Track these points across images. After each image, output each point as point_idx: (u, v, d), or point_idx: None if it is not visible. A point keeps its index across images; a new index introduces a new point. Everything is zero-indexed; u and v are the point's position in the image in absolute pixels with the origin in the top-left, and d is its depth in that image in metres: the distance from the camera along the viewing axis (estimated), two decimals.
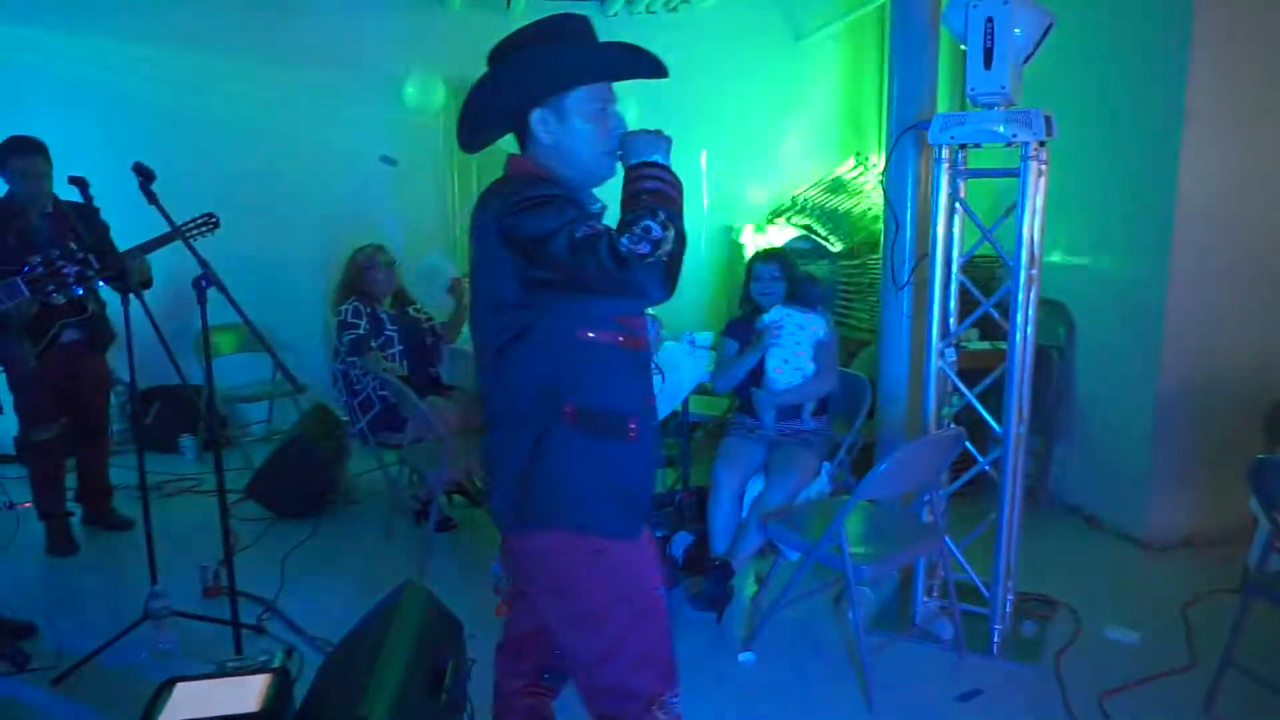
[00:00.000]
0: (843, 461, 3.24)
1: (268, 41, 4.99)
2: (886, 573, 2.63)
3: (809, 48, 5.51)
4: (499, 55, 1.57)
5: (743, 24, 5.41)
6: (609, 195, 1.66)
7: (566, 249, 1.39)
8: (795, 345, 3.17)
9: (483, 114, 1.61)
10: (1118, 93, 3.69)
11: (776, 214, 5.32)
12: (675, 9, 5.18)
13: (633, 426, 1.58)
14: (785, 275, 3.29)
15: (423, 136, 5.27)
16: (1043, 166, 2.70)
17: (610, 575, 1.58)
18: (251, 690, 1.83)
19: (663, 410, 3.44)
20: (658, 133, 1.55)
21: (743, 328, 3.35)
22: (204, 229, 3.04)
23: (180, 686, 1.85)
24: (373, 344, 3.86)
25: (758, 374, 3.22)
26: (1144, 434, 3.63)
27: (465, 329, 4.27)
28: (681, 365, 3.50)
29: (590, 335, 1.51)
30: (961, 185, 2.86)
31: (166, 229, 2.83)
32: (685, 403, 3.68)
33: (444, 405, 3.85)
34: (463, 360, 4.13)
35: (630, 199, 1.47)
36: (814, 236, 5.02)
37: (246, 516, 3.93)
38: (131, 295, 2.79)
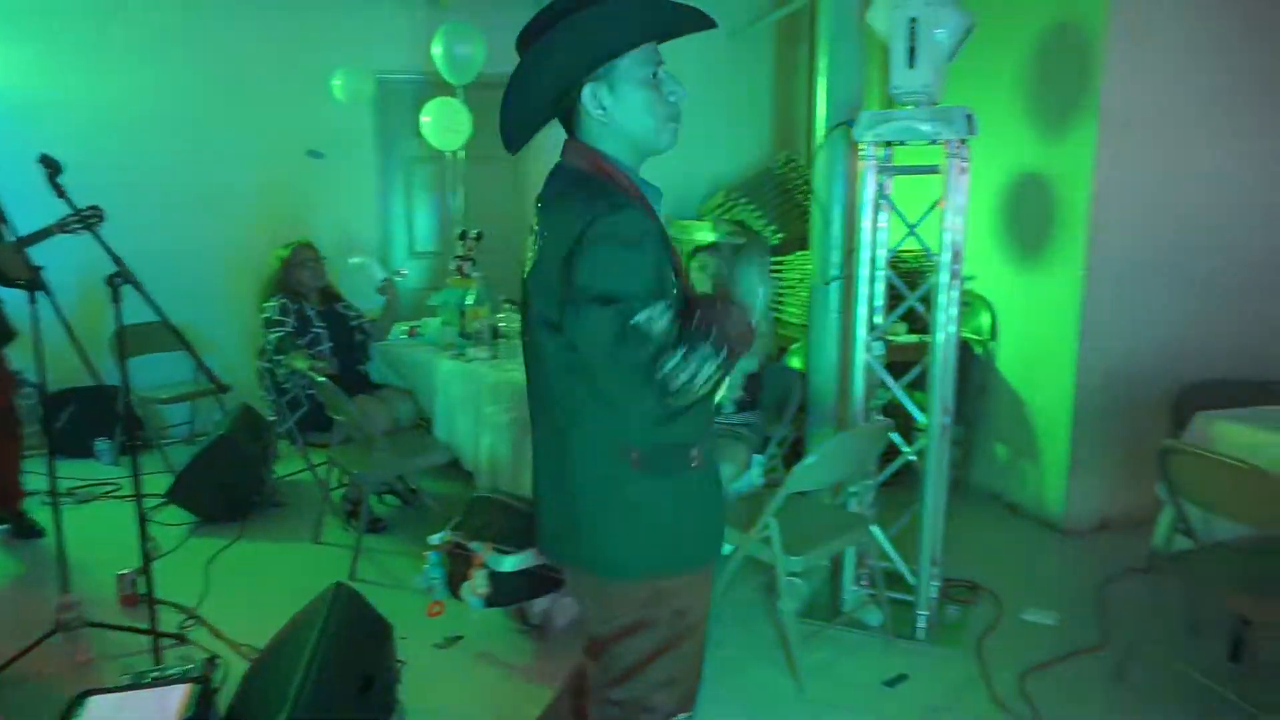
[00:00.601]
0: (774, 454, 3.29)
1: (192, 34, 4.84)
2: (816, 563, 2.67)
3: (740, 43, 5.55)
4: (531, 37, 1.43)
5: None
6: (664, 176, 1.60)
7: (613, 330, 1.30)
8: None
9: (526, 103, 1.47)
10: (1038, 94, 3.81)
11: (708, 209, 5.36)
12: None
13: (695, 454, 1.47)
14: (722, 268, 3.35)
15: (352, 130, 5.16)
16: (964, 164, 2.77)
17: (668, 601, 1.51)
18: (170, 701, 1.78)
19: None
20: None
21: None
22: (86, 223, 2.86)
23: (93, 700, 1.79)
24: (300, 342, 3.78)
25: None
26: (1062, 424, 3.77)
27: (397, 326, 4.21)
28: None
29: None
30: (888, 182, 2.93)
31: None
32: None
33: (373, 404, 3.79)
34: (393, 358, 4.06)
35: (704, 325, 1.32)
36: (746, 232, 5.06)
37: (168, 522, 3.81)
38: (40, 293, 2.67)
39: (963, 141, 2.74)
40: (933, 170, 2.78)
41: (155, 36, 4.80)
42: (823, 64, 3.03)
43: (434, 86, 4.78)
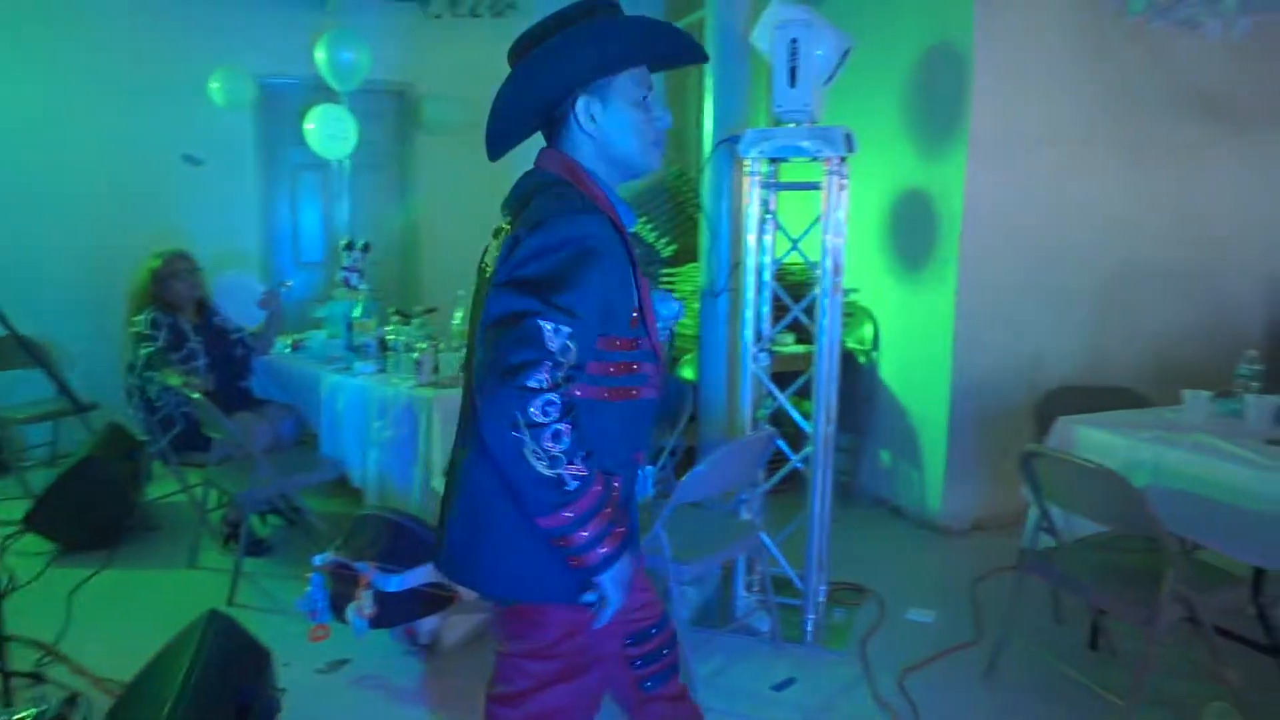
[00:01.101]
0: (666, 465, 3.32)
1: (58, 30, 4.56)
2: (707, 571, 2.72)
3: None
4: (526, 47, 1.43)
5: None
6: None
7: (512, 324, 1.26)
8: None
9: (515, 110, 1.45)
10: (915, 116, 3.99)
11: None
12: (501, 14, 5.15)
13: (616, 485, 1.42)
14: None
15: (233, 135, 4.97)
16: (844, 180, 2.88)
17: (569, 632, 1.44)
18: None
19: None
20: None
21: None
22: None
23: None
24: (174, 357, 3.60)
25: None
26: (939, 430, 3.95)
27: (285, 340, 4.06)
28: None
29: (576, 394, 1.34)
30: (772, 197, 3.02)
31: None
32: None
33: (254, 421, 3.64)
34: (276, 372, 3.92)
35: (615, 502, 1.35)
36: (639, 244, 5.11)
37: (26, 551, 3.55)
38: None
39: (842, 159, 2.85)
40: (814, 186, 2.88)
41: (17, 32, 4.51)
42: (709, 82, 3.10)
43: (318, 92, 4.65)
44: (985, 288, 3.85)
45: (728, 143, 2.99)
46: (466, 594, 2.80)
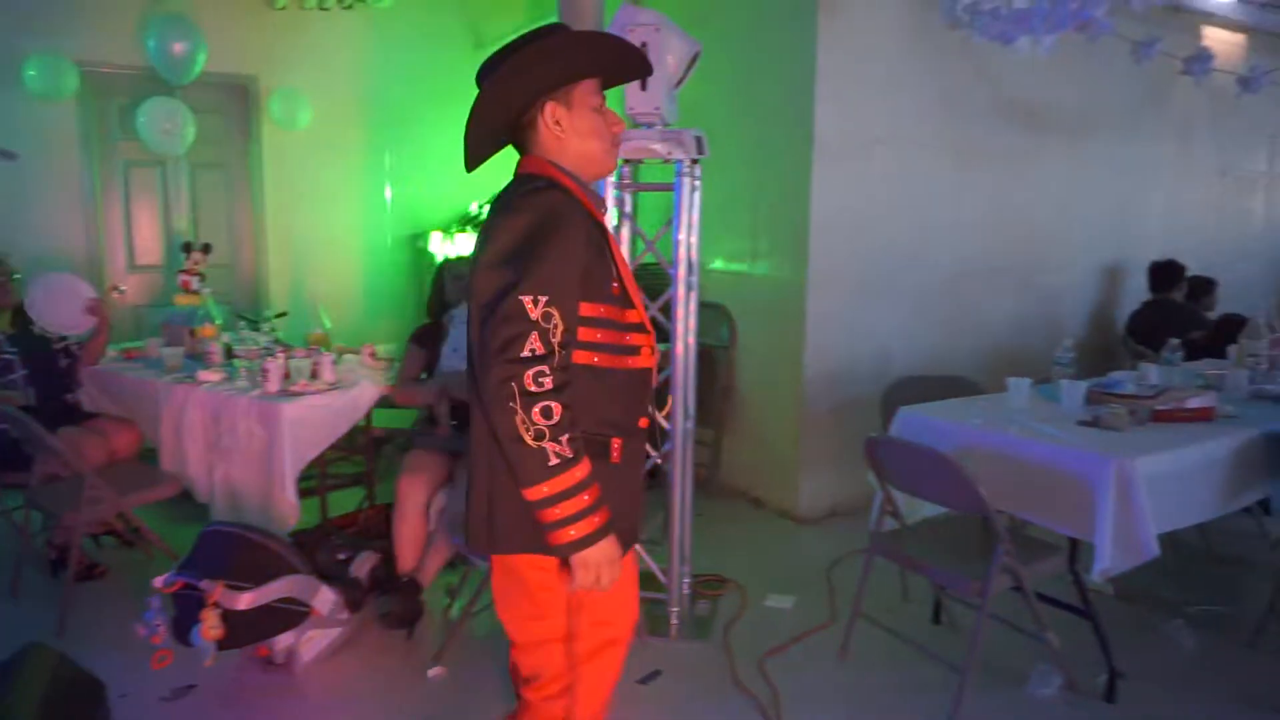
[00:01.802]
0: None
1: None
2: None
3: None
4: (495, 64, 1.54)
5: (422, 27, 5.33)
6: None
7: (496, 304, 1.37)
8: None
9: (487, 121, 1.55)
10: (765, 122, 4.14)
11: (464, 221, 5.31)
12: (350, 6, 4.98)
13: (615, 445, 1.52)
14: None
15: (53, 128, 4.58)
16: (696, 182, 2.95)
17: (586, 608, 1.56)
18: None
19: (344, 425, 3.30)
20: None
21: (430, 333, 3.34)
22: None
23: None
24: None
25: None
26: (792, 422, 4.11)
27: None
28: (363, 379, 3.38)
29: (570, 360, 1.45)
30: (628, 198, 3.06)
31: None
32: (369, 417, 3.56)
33: (83, 437, 3.39)
34: (107, 384, 3.65)
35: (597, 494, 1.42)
36: None
37: None
38: None
39: (694, 161, 2.92)
40: (668, 188, 2.94)
41: None
42: None
43: (151, 84, 4.36)
44: (834, 285, 4.03)
45: None
46: (321, 606, 2.71)
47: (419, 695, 2.66)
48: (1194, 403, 2.82)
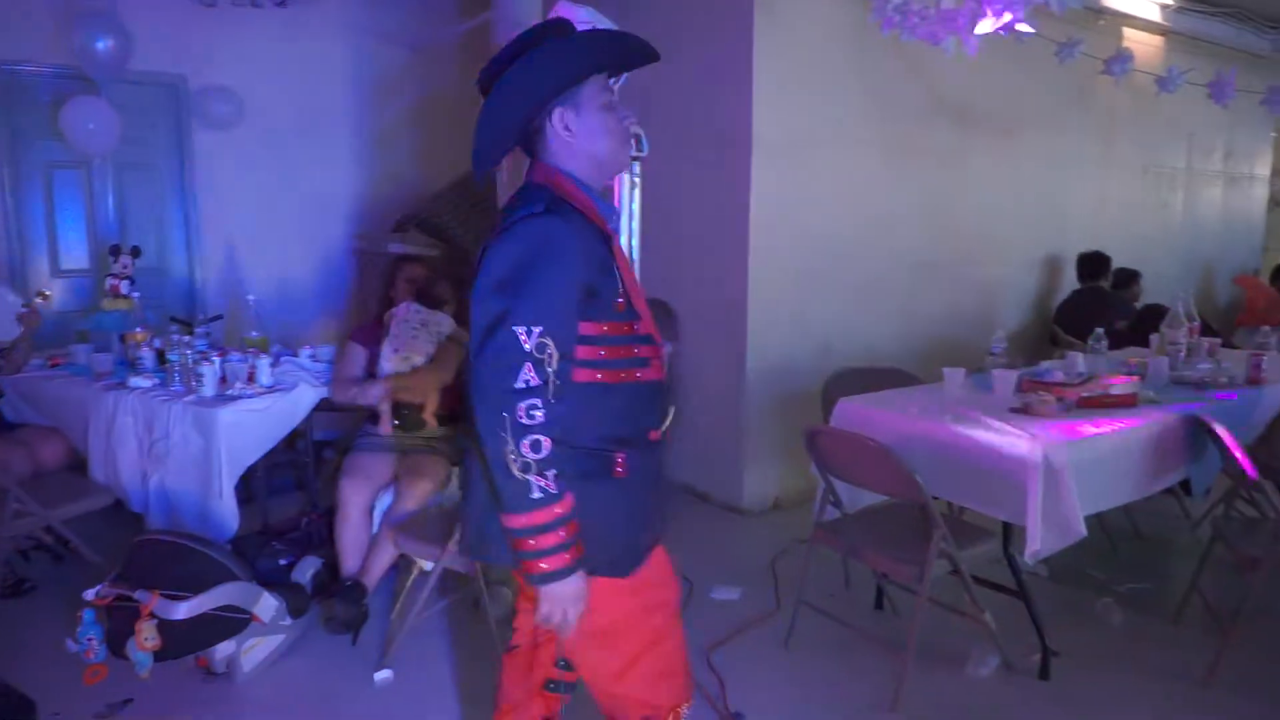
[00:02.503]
0: None
1: None
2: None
3: (427, 56, 5.51)
4: (496, 71, 1.49)
5: (357, 26, 5.26)
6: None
7: (490, 334, 1.37)
8: (412, 335, 3.19)
9: (500, 124, 1.50)
10: (706, 120, 4.17)
11: (401, 222, 5.25)
12: (283, 3, 4.89)
13: (620, 460, 1.50)
14: (425, 277, 3.35)
15: None
16: (636, 179, 2.96)
17: (617, 604, 1.56)
18: None
19: (284, 429, 3.25)
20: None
21: (372, 332, 3.31)
22: None
23: None
24: None
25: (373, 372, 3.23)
26: (736, 416, 4.16)
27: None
28: (302, 381, 3.32)
29: (572, 380, 1.45)
30: None
31: None
32: (309, 421, 3.50)
33: (4, 448, 3.28)
34: (31, 393, 3.53)
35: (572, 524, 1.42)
36: (441, 243, 5.03)
37: None
38: None
39: (633, 159, 2.93)
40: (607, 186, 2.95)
41: None
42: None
43: (74, 82, 4.23)
44: (774, 280, 4.09)
45: None
46: (263, 613, 2.66)
47: (366, 699, 2.64)
48: (1117, 389, 2.93)
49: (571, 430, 1.44)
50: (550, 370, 1.38)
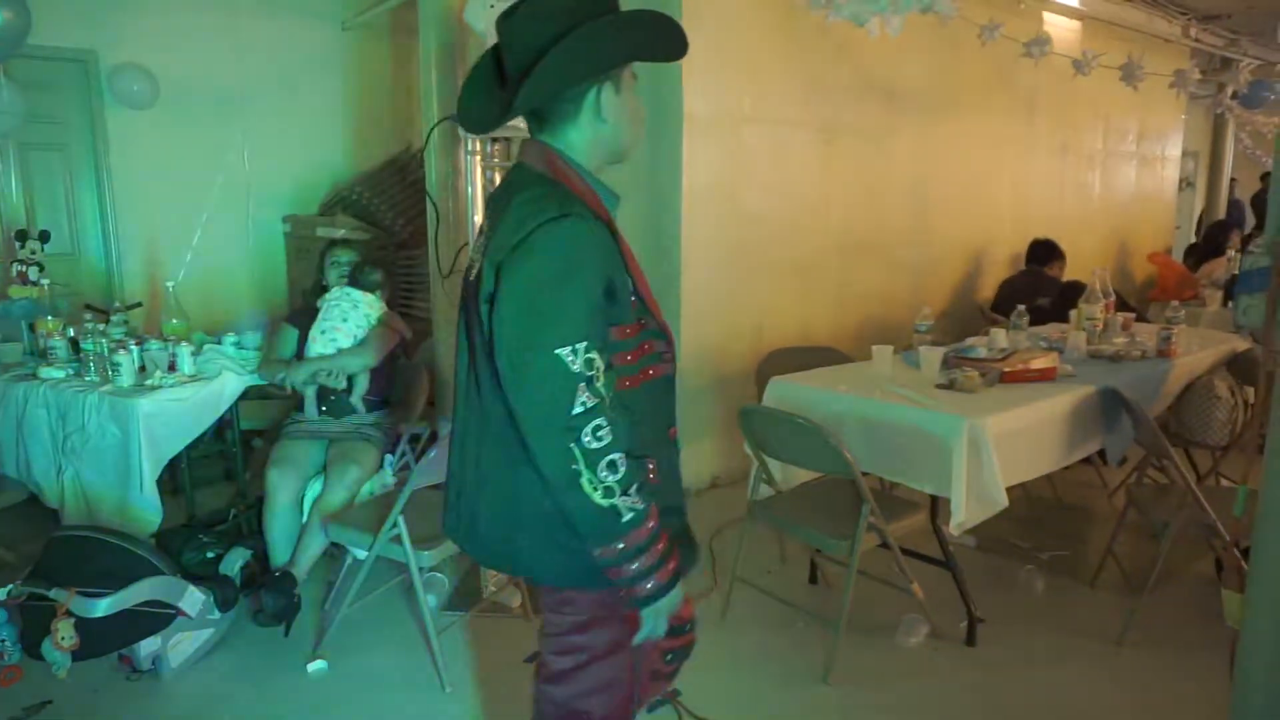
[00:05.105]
0: (406, 453, 3.25)
1: None
2: (447, 554, 2.70)
3: (355, 34, 5.37)
4: (534, 34, 1.33)
5: (283, 2, 5.08)
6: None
7: (534, 363, 1.27)
8: (341, 318, 3.14)
9: (531, 97, 1.34)
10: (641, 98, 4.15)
11: (329, 205, 5.13)
12: None
13: (651, 467, 1.41)
14: (357, 263, 3.30)
15: None
16: None
17: (586, 612, 1.49)
18: None
19: (208, 419, 3.15)
20: None
21: (305, 315, 3.25)
22: None
23: None
24: None
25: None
26: None
27: None
28: (227, 370, 3.23)
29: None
30: (496, 177, 3.02)
31: None
32: (236, 411, 3.40)
33: None
34: None
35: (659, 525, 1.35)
36: (371, 227, 4.92)
37: None
38: None
39: None
40: None
41: None
42: (426, 58, 3.04)
43: None
44: (708, 261, 4.11)
45: (450, 120, 2.95)
46: (189, 607, 2.59)
47: (299, 690, 2.59)
48: (1037, 364, 3.03)
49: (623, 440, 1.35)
50: (601, 385, 1.29)
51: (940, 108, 5.20)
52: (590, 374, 1.27)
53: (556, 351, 1.26)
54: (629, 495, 1.29)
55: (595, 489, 1.27)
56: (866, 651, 2.77)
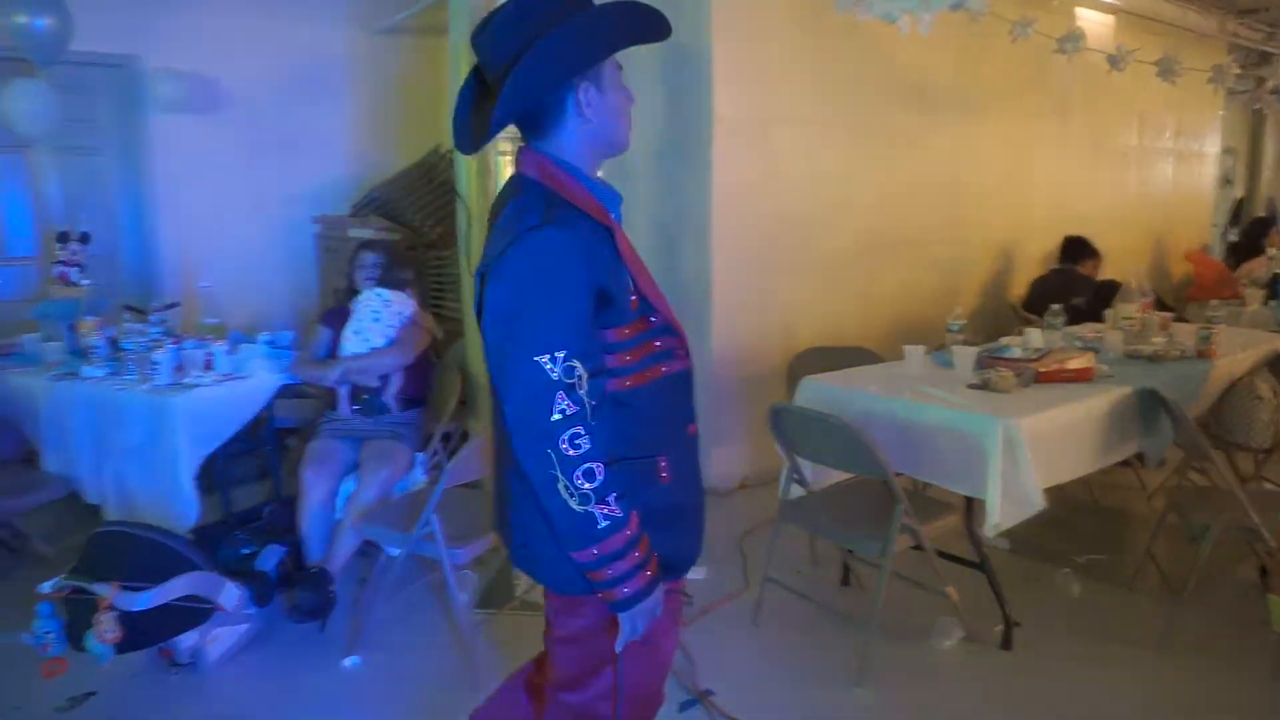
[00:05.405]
0: (438, 451, 3.27)
1: None
2: (480, 552, 2.71)
3: (385, 38, 5.41)
4: (504, 43, 1.34)
5: (315, 7, 5.14)
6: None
7: (514, 370, 1.29)
8: (373, 318, 3.17)
9: (519, 101, 1.33)
10: (667, 102, 4.16)
11: (359, 206, 5.17)
12: None
13: (663, 465, 1.42)
14: (386, 263, 3.31)
15: None
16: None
17: (594, 619, 1.46)
18: None
19: (243, 416, 3.20)
20: None
21: (338, 315, 3.28)
22: None
23: None
24: None
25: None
26: (701, 396, 4.15)
27: None
28: (262, 369, 3.27)
29: (609, 390, 1.37)
30: None
31: None
32: (271, 408, 3.45)
33: None
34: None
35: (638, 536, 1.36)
36: (401, 227, 4.96)
37: None
38: None
39: None
40: None
41: None
42: (454, 57, 3.06)
43: (15, 64, 4.08)
44: (738, 261, 4.10)
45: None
46: (227, 603, 2.63)
47: (335, 684, 2.62)
48: (1074, 364, 2.99)
49: (610, 444, 1.36)
50: (583, 393, 1.30)
51: (971, 105, 5.15)
52: (570, 381, 1.29)
53: (535, 359, 1.28)
54: (605, 503, 1.31)
55: (571, 495, 1.29)
56: (900, 653, 2.75)
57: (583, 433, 1.29)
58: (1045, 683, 2.63)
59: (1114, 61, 4.80)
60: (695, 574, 3.31)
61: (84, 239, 3.66)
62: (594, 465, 1.30)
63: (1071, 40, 4.61)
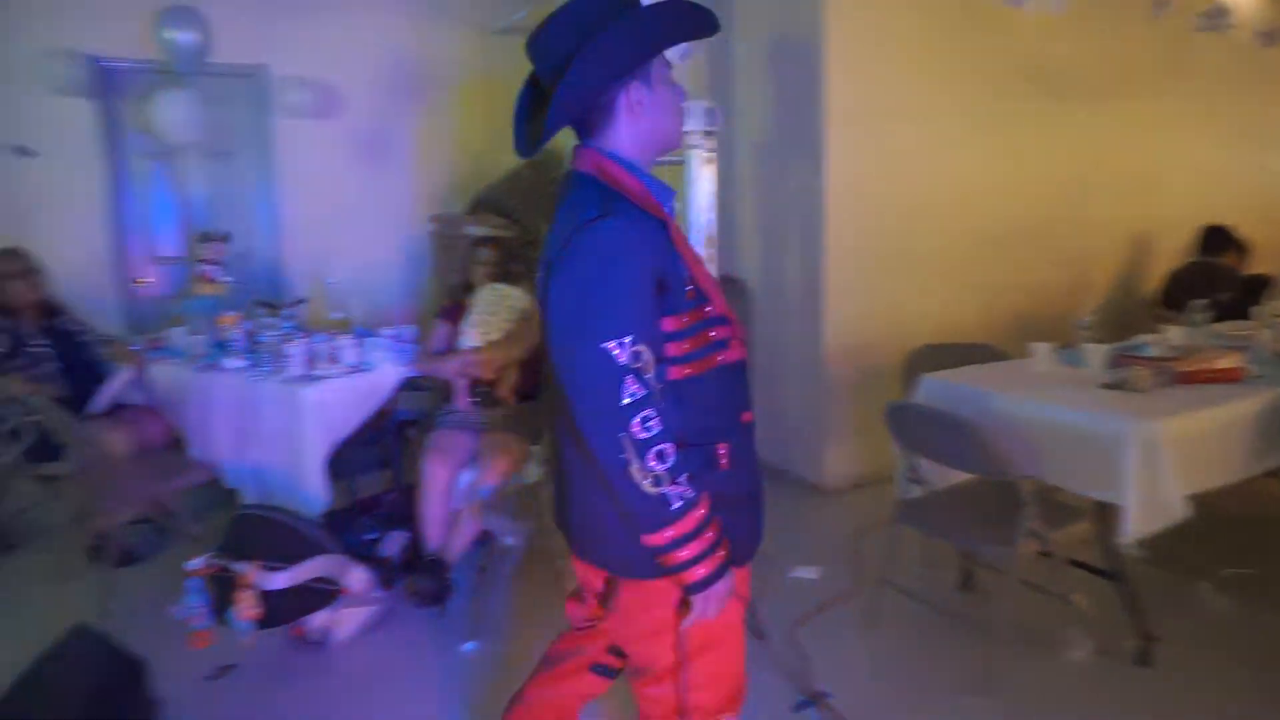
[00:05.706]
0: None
1: None
2: None
3: (499, 38, 5.53)
4: (551, 44, 1.42)
5: (430, 9, 5.31)
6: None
7: (582, 359, 1.32)
8: (490, 312, 3.25)
9: (573, 104, 1.40)
10: (780, 94, 4.11)
11: (474, 204, 5.31)
12: None
13: (722, 452, 1.46)
14: (500, 258, 3.39)
15: (69, 123, 4.61)
16: (708, 154, 2.94)
17: (666, 607, 1.48)
18: None
19: (369, 407, 3.33)
20: None
21: (455, 311, 3.39)
22: None
23: None
24: (14, 364, 3.35)
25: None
26: (814, 393, 4.11)
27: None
28: (386, 362, 3.41)
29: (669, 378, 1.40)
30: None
31: None
32: (395, 400, 3.58)
33: (113, 426, 3.44)
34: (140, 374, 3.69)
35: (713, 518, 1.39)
36: (514, 225, 5.07)
37: None
38: None
39: (706, 134, 2.90)
40: (678, 161, 2.93)
41: None
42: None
43: (162, 75, 4.38)
44: (852, 256, 4.01)
45: None
46: (354, 585, 2.75)
47: (454, 670, 2.71)
48: (1221, 363, 2.80)
49: (673, 430, 1.37)
50: (650, 377, 1.34)
51: (1106, 89, 4.87)
52: (637, 366, 1.32)
53: (603, 345, 1.31)
54: (678, 484, 1.33)
55: (645, 477, 1.31)
56: (1025, 663, 2.64)
57: (653, 414, 1.32)
58: (1185, 702, 2.47)
59: (1271, 38, 4.44)
60: (807, 574, 3.27)
61: (225, 239, 3.89)
62: (665, 446, 1.32)
63: (1216, 16, 4.30)
